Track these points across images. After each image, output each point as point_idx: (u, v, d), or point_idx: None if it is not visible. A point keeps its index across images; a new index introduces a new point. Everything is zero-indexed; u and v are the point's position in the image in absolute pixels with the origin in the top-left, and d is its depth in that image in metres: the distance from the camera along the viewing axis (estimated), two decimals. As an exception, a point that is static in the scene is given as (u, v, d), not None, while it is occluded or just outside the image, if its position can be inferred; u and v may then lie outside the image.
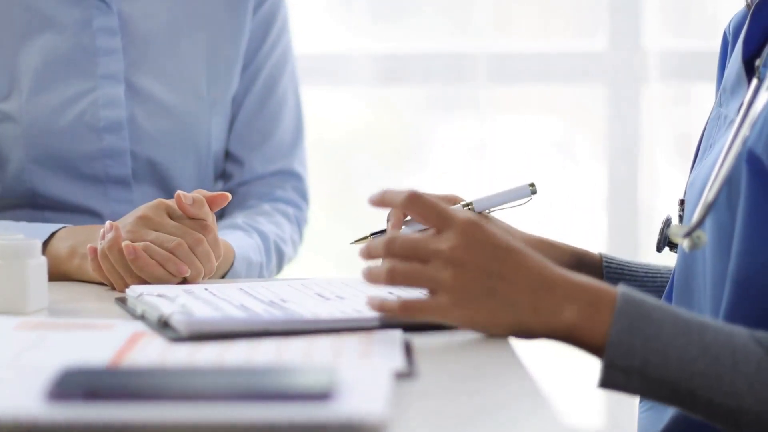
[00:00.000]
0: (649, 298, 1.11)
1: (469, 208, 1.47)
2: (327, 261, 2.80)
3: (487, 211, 1.48)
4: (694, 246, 1.17)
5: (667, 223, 1.39)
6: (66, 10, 1.79)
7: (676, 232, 1.17)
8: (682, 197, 1.39)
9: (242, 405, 0.87)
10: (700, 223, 1.16)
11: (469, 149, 2.75)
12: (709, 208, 1.17)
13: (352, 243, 1.48)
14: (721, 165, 1.19)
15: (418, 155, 2.83)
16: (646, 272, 1.49)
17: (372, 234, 1.48)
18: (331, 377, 0.91)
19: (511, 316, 1.11)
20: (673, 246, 1.38)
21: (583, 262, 1.49)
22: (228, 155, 1.90)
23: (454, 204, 1.47)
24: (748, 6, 1.34)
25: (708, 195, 1.18)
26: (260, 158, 1.89)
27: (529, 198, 1.49)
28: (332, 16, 2.78)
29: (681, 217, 1.39)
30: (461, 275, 1.11)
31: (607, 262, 1.48)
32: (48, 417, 0.87)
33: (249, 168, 1.89)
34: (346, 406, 0.88)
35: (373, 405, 0.89)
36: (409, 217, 1.46)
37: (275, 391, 0.89)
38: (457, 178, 2.74)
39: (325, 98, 2.75)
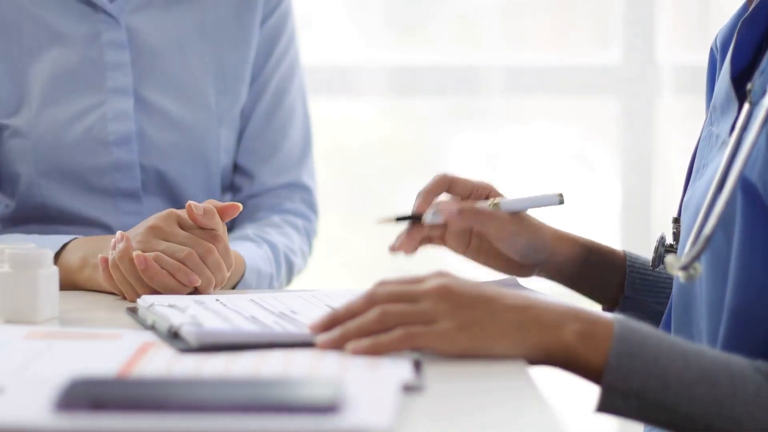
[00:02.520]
0: (644, 326, 1.11)
1: (495, 204, 1.45)
2: (341, 268, 2.81)
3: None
4: (690, 278, 1.16)
5: (662, 241, 1.38)
6: (74, 24, 1.80)
7: (673, 263, 1.17)
8: (675, 215, 1.38)
9: (248, 417, 0.88)
10: (696, 256, 1.16)
11: (483, 161, 2.75)
12: (707, 242, 1.16)
13: (377, 221, 1.46)
14: (714, 195, 1.18)
15: (432, 166, 2.83)
16: (667, 277, 1.48)
17: (397, 218, 1.45)
18: (337, 389, 0.91)
19: (515, 331, 1.11)
20: None
21: (605, 257, 1.47)
22: (237, 168, 1.90)
23: (486, 194, 1.45)
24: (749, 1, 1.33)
25: (705, 229, 1.16)
26: (269, 171, 1.90)
27: (555, 205, 1.48)
28: (348, 29, 2.78)
29: (675, 235, 1.38)
30: (458, 303, 1.11)
31: (631, 261, 1.47)
32: (55, 427, 0.87)
33: (258, 181, 1.89)
34: (352, 418, 0.88)
35: (379, 417, 0.89)
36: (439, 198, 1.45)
37: (280, 404, 0.89)
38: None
39: (340, 109, 2.75)
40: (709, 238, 1.15)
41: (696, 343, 1.13)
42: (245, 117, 1.89)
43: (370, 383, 1.00)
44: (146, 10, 1.82)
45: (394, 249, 1.46)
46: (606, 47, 2.74)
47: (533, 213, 1.48)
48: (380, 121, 2.83)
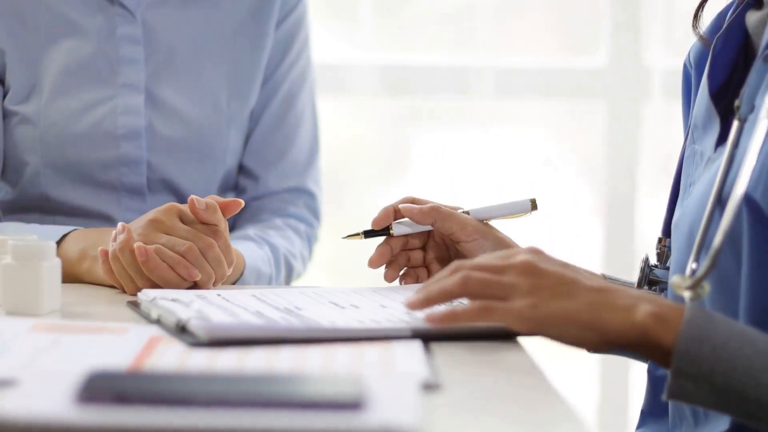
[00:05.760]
0: (715, 313, 1.11)
1: (465, 213, 1.48)
2: (315, 266, 2.80)
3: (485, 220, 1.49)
4: (697, 297, 1.16)
5: (647, 261, 1.38)
6: (91, 17, 1.78)
7: (680, 284, 1.17)
8: (660, 235, 1.38)
9: (274, 413, 0.87)
10: (705, 275, 1.16)
11: (468, 162, 2.75)
12: (715, 259, 1.15)
13: (344, 237, 1.50)
14: (712, 211, 1.18)
15: (416, 166, 2.82)
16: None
17: (364, 232, 1.49)
18: (360, 386, 0.91)
19: (590, 312, 1.11)
20: (653, 284, 1.37)
21: None
22: (242, 169, 1.89)
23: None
24: (705, 42, 1.33)
25: (713, 244, 1.16)
26: (275, 174, 1.89)
27: (527, 213, 1.49)
28: (335, 27, 2.77)
29: (659, 255, 1.38)
30: (539, 281, 1.13)
31: (610, 281, 1.47)
32: (78, 420, 0.86)
33: (263, 183, 1.88)
34: (378, 415, 0.87)
35: (405, 414, 0.88)
36: (403, 219, 1.49)
37: (306, 400, 0.88)
38: (455, 190, 2.74)
39: (327, 107, 2.74)
40: (718, 253, 1.15)
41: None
42: (254, 119, 1.88)
43: (389, 381, 0.99)
44: (163, 7, 1.80)
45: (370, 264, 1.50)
46: (594, 51, 2.74)
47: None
48: (367, 120, 2.82)
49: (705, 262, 1.16)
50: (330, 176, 2.75)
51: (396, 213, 1.49)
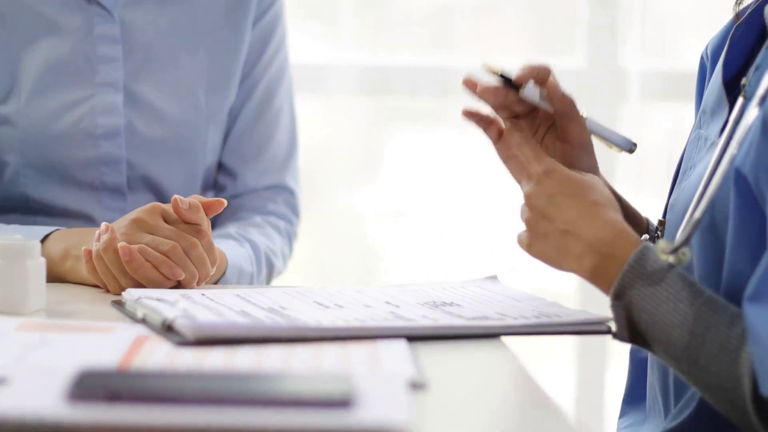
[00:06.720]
0: (658, 262, 1.18)
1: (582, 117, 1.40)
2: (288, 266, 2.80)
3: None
4: (679, 263, 1.19)
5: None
6: (69, 16, 1.78)
7: (663, 248, 1.20)
8: (661, 218, 1.39)
9: (266, 411, 0.87)
10: (687, 240, 1.19)
11: (446, 162, 2.76)
12: (697, 225, 1.20)
13: (482, 66, 1.44)
14: (708, 182, 1.21)
15: (393, 166, 2.83)
16: None
17: (501, 74, 1.40)
18: (349, 385, 0.92)
19: (553, 259, 1.26)
20: None
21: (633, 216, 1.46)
22: (221, 167, 1.89)
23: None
24: (737, 17, 1.35)
25: (695, 212, 1.20)
26: (254, 172, 1.89)
27: (623, 150, 1.42)
28: (314, 27, 2.78)
29: (657, 238, 1.40)
30: (531, 218, 1.28)
31: (651, 228, 1.47)
32: (71, 418, 0.86)
33: (242, 181, 1.88)
34: (370, 413, 0.88)
35: (396, 412, 0.89)
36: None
37: (297, 398, 0.89)
38: (433, 190, 2.74)
39: (306, 108, 2.74)
40: (700, 221, 1.20)
41: (703, 288, 1.18)
42: (233, 116, 1.88)
43: (377, 379, 1.00)
44: (140, 6, 1.80)
45: (475, 91, 1.46)
46: (571, 52, 2.76)
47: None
48: (345, 120, 2.82)
49: (686, 228, 1.20)
50: (307, 176, 2.76)
51: (539, 82, 1.41)
